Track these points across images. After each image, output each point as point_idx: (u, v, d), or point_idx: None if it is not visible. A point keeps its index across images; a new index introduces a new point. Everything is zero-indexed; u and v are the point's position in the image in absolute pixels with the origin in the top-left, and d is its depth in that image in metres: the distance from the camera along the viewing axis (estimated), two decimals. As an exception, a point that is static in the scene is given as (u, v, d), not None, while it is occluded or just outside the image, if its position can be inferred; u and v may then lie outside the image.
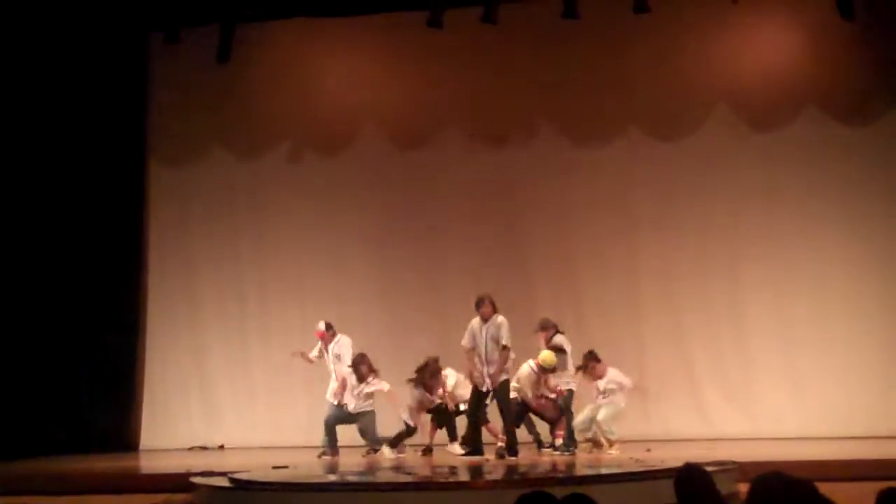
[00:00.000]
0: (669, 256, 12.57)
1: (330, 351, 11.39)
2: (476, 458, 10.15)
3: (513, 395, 10.55)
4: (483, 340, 10.29)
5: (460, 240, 13.08)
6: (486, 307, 10.38)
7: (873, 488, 4.20)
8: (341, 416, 11.16)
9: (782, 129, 12.42)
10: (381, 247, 13.23)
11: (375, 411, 11.14)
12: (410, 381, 11.05)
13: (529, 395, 10.70)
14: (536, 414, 10.88)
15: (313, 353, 11.52)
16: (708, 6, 12.54)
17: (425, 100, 13.17)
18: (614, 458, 9.86)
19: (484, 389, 10.33)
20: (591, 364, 10.65)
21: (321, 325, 11.43)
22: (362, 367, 11.06)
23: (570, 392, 10.71)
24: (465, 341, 10.47)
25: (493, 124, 13.07)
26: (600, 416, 10.56)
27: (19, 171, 13.09)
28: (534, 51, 12.83)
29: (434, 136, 13.23)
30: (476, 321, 10.43)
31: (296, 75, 13.43)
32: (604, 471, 8.67)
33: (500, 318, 10.38)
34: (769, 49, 12.47)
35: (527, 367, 10.71)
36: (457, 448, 10.72)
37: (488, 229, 12.99)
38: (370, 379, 11.07)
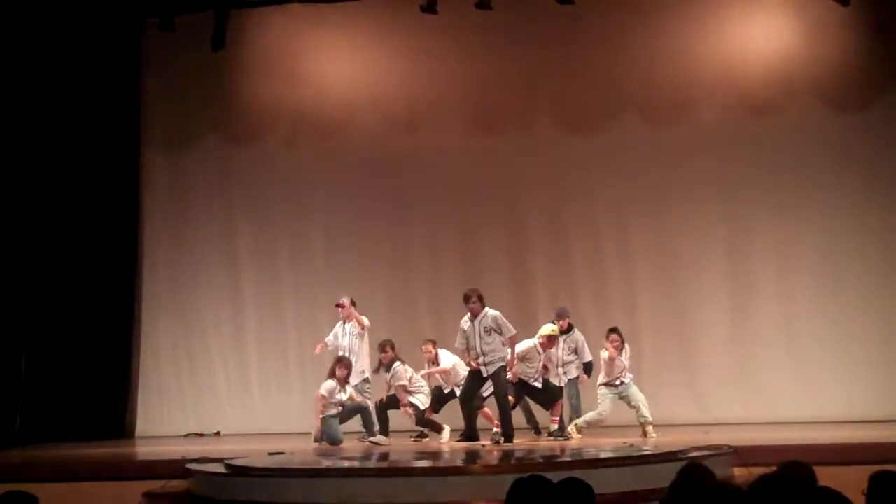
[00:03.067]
0: (667, 242, 12.59)
1: (348, 329, 11.38)
2: (471, 444, 10.17)
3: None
4: (475, 334, 10.23)
5: (455, 225, 13.08)
6: (474, 303, 10.28)
7: (867, 471, 4.22)
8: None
9: (777, 115, 12.43)
10: (376, 232, 13.22)
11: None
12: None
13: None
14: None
15: (328, 337, 11.47)
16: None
17: (420, 85, 13.15)
18: (609, 443, 9.86)
19: (484, 376, 10.31)
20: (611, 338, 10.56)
21: (345, 299, 11.42)
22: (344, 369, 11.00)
23: (572, 380, 10.73)
24: (458, 343, 10.46)
25: (488, 110, 13.06)
26: (636, 400, 10.47)
27: (12, 158, 13.07)
28: (529, 36, 12.81)
29: (429, 121, 13.21)
30: (465, 320, 10.36)
31: (290, 61, 13.40)
32: (599, 455, 8.69)
33: (493, 312, 10.34)
34: (765, 35, 12.47)
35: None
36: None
37: (483, 215, 12.99)
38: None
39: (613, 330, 10.64)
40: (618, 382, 10.53)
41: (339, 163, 13.35)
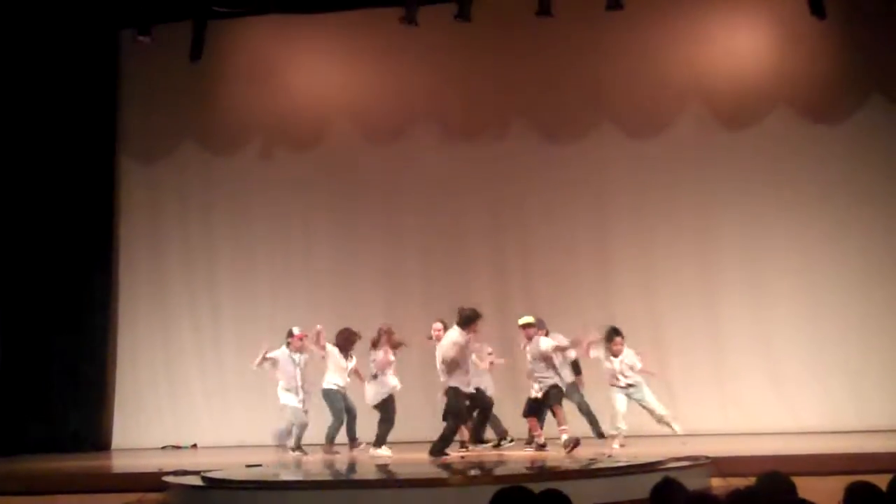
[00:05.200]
0: (643, 252, 12.62)
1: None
2: (446, 457, 10.15)
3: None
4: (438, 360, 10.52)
5: (432, 234, 13.08)
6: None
7: (844, 482, 4.24)
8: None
9: (753, 126, 12.50)
10: (353, 242, 13.22)
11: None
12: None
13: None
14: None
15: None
16: (680, 3, 12.61)
17: (399, 96, 13.17)
18: (588, 454, 9.84)
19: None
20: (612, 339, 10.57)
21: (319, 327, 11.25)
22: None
23: (556, 387, 10.66)
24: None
25: (467, 120, 13.09)
26: (644, 399, 10.53)
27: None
28: (507, 47, 12.85)
29: (407, 132, 13.23)
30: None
31: (268, 72, 13.39)
32: (577, 467, 8.69)
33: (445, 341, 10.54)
34: (741, 46, 12.55)
35: None
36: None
37: (461, 224, 13.01)
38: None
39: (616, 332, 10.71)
40: (622, 384, 10.54)
41: (317, 172, 13.34)
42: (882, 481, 4.29)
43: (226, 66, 13.43)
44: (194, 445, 12.92)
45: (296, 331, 11.33)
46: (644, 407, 10.57)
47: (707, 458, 8.42)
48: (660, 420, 10.59)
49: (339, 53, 13.29)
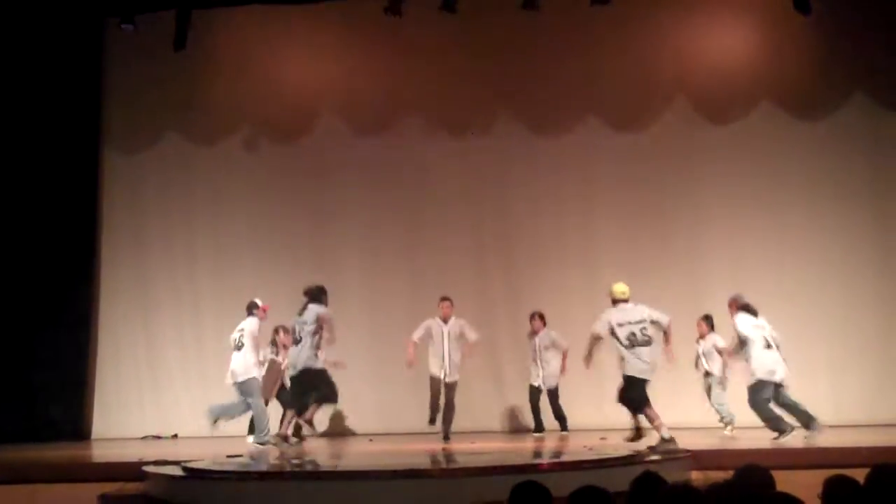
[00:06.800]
0: (629, 247, 12.66)
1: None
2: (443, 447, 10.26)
3: None
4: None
5: (419, 227, 13.07)
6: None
7: (823, 476, 4.26)
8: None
9: (739, 122, 12.58)
10: (336, 235, 13.20)
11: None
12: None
13: None
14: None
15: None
16: (666, -2, 12.67)
17: (384, 87, 13.16)
18: (568, 446, 9.85)
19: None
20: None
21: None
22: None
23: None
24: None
25: (453, 112, 13.09)
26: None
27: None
28: (493, 40, 12.87)
29: (392, 124, 13.22)
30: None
31: (253, 62, 13.34)
32: (556, 459, 8.71)
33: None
34: (727, 42, 12.60)
35: None
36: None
37: (447, 218, 13.00)
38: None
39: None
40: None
41: (301, 164, 13.33)
42: (860, 475, 4.32)
43: (210, 56, 13.37)
44: (175, 435, 12.89)
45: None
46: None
47: (687, 451, 8.45)
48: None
49: (325, 44, 13.26)
